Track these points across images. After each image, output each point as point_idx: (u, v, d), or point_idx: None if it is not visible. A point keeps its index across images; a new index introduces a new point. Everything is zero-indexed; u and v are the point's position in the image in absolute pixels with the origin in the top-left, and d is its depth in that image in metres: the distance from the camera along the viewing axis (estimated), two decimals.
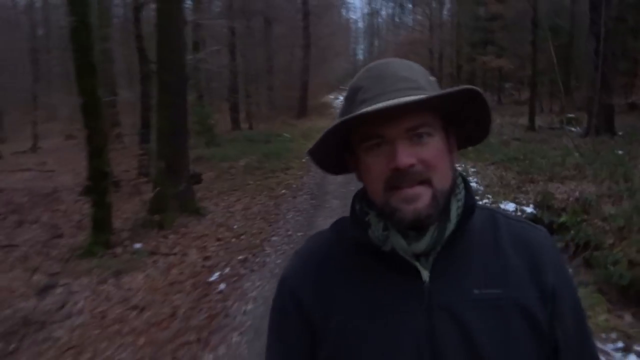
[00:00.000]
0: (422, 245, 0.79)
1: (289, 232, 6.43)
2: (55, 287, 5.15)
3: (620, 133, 11.50)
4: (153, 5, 10.21)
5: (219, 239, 6.31)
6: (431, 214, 0.78)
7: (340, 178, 9.62)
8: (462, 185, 0.86)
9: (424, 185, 0.77)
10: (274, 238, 6.21)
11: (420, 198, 0.77)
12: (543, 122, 16.22)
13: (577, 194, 6.72)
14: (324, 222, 5.99)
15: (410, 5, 58.73)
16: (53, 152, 19.97)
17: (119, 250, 6.35)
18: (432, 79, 0.85)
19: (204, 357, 3.40)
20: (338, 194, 8.26)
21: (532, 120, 15.50)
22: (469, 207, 0.84)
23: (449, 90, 0.75)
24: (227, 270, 5.14)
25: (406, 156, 0.76)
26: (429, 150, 0.78)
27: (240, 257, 5.52)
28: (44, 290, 5.17)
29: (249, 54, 22.92)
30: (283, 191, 8.87)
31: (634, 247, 4.73)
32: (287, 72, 27.46)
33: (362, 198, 0.88)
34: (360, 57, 71.83)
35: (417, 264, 0.81)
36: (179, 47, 7.33)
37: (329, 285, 0.85)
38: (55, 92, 26.22)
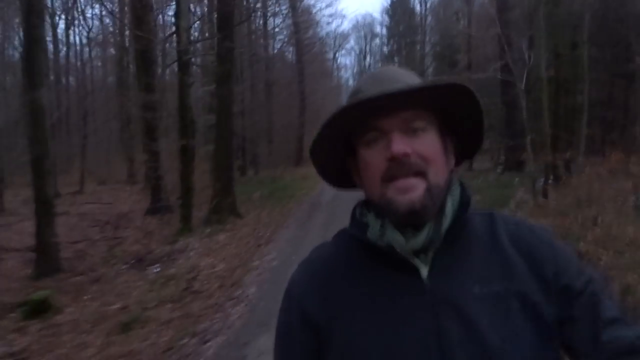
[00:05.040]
0: (419, 241, 0.81)
1: (298, 217, 11.36)
2: (177, 242, 9.73)
3: (526, 170, 16.42)
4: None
5: (257, 224, 10.97)
6: (425, 205, 0.79)
7: (329, 197, 14.44)
8: (457, 184, 0.89)
9: (419, 178, 0.79)
10: (290, 220, 11.06)
11: (415, 189, 0.79)
12: (480, 166, 21.29)
13: None
14: (319, 215, 10.78)
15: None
16: (97, 193, 24.53)
17: (198, 232, 10.96)
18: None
19: (267, 249, 8.17)
20: (327, 204, 13.08)
21: (470, 164, 20.53)
22: (464, 202, 0.86)
23: (439, 80, 0.81)
24: (268, 231, 9.87)
25: (401, 145, 0.78)
26: (424, 144, 0.81)
27: (272, 228, 10.24)
28: (171, 243, 9.76)
29: (254, 113, 27.88)
30: (292, 205, 13.65)
31: None
32: (286, 127, 32.13)
33: (362, 205, 0.92)
34: None
35: (416, 261, 0.82)
36: (230, 114, 12.25)
37: (333, 292, 0.87)
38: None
